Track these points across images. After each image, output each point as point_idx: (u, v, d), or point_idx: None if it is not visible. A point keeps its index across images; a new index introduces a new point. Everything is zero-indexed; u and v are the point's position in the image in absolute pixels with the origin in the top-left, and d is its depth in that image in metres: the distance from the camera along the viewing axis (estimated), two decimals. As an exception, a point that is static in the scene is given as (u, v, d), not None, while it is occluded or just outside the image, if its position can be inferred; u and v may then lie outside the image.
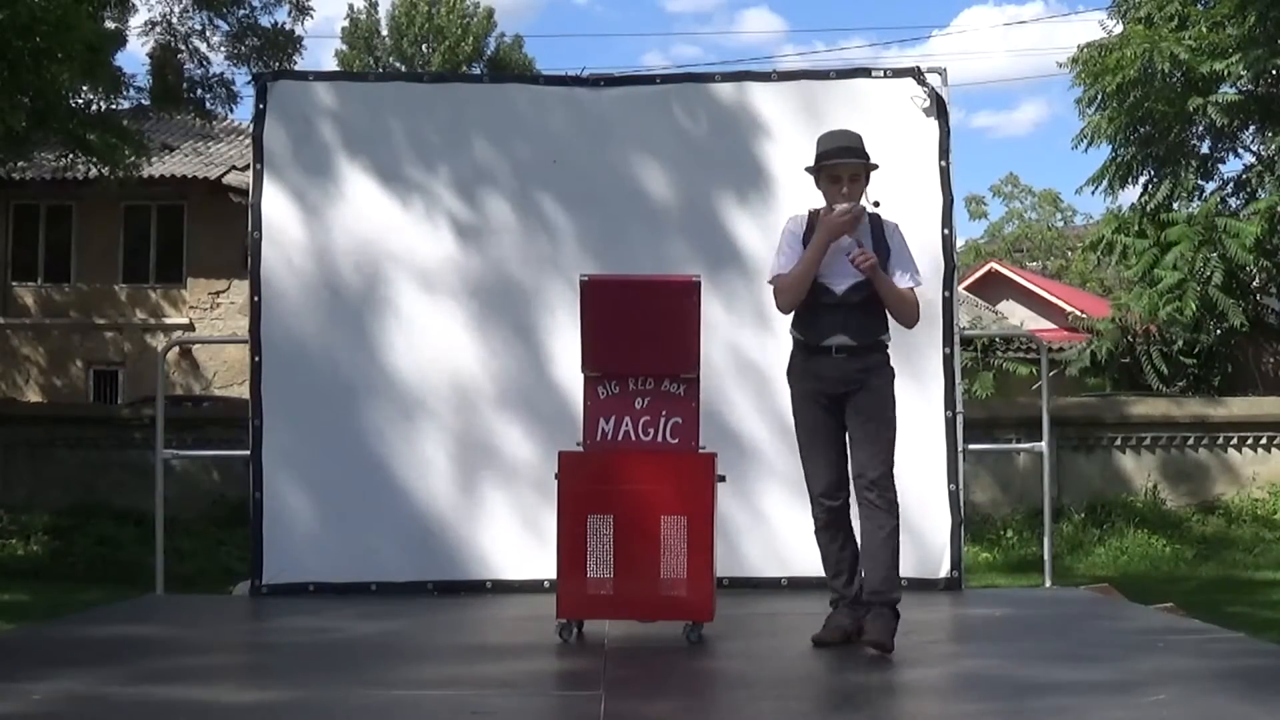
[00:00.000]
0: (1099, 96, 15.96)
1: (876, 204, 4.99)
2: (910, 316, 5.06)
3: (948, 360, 6.79)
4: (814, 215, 5.03)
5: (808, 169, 5.08)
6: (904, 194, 6.75)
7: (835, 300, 4.93)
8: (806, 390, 5.03)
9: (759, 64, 46.79)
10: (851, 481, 4.98)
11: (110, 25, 14.88)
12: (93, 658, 5.03)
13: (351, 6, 36.02)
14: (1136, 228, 17.11)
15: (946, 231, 6.84)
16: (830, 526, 5.03)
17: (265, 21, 17.13)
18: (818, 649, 4.98)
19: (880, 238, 5.02)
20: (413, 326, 6.92)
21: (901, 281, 5.01)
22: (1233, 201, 17.07)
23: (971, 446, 7.28)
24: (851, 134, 5.04)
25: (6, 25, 10.83)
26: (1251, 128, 16.57)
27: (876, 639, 4.80)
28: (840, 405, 4.97)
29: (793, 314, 5.08)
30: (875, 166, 5.01)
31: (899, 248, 5.02)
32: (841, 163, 4.93)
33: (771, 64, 51.30)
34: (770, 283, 5.11)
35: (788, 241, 5.04)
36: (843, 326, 4.94)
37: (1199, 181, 16.71)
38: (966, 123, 63.71)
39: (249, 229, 6.99)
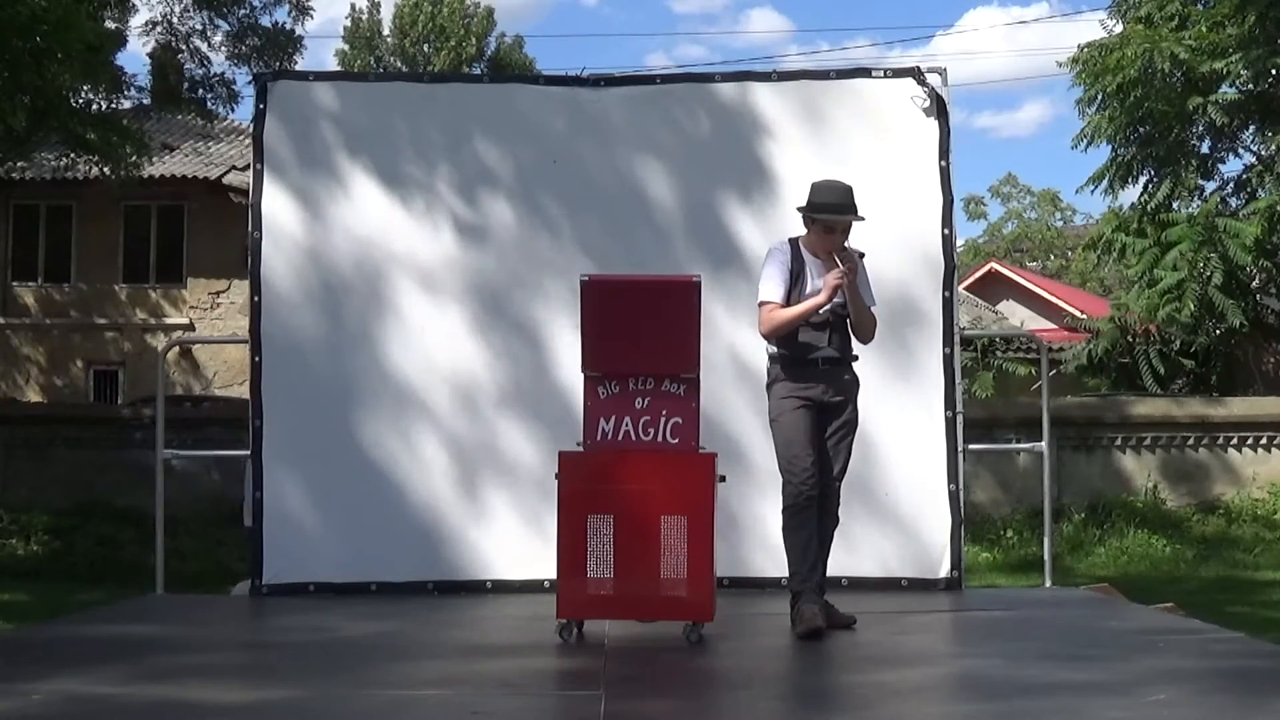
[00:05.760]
0: (1099, 96, 15.93)
1: (862, 255, 5.47)
2: (870, 332, 5.55)
3: (948, 360, 6.79)
4: (794, 243, 5.48)
5: (801, 209, 5.48)
6: (904, 194, 6.79)
7: (819, 319, 5.39)
8: (795, 397, 5.37)
9: (763, 64, 46.80)
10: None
11: (110, 25, 14.85)
12: (93, 658, 5.02)
13: (353, 6, 36.07)
14: (1136, 227, 17.10)
15: (946, 231, 6.83)
16: (807, 510, 5.30)
17: (266, 21, 17.11)
18: (813, 642, 5.07)
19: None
20: (413, 326, 6.92)
21: (866, 301, 5.53)
22: (1233, 201, 17.05)
23: (971, 446, 7.28)
24: (847, 189, 5.43)
25: (6, 25, 10.80)
26: (1251, 128, 16.54)
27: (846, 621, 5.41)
28: (822, 413, 5.40)
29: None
30: (863, 220, 5.44)
31: (864, 277, 5.51)
32: (839, 219, 5.38)
33: (776, 64, 51.32)
34: (761, 305, 5.44)
35: (777, 270, 5.42)
36: (828, 341, 5.41)
37: (1199, 181, 16.69)
38: (970, 123, 63.76)
39: (249, 229, 6.99)
